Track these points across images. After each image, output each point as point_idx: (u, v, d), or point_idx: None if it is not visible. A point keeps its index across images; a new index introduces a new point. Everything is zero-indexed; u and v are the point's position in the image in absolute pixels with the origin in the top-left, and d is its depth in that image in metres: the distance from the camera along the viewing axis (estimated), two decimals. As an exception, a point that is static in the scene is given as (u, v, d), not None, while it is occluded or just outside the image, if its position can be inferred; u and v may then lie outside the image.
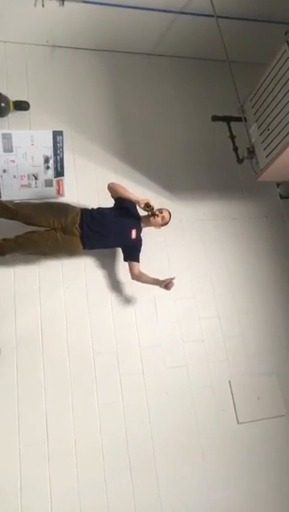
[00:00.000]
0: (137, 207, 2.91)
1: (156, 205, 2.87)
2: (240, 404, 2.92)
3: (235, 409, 2.91)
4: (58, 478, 2.49)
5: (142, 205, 2.80)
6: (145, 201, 2.79)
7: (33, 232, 2.74)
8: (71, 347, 2.79)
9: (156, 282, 2.80)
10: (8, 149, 2.86)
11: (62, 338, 2.80)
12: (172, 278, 2.74)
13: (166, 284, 2.75)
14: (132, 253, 2.87)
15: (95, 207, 2.94)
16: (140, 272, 2.85)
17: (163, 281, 2.76)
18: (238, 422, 2.89)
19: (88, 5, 3.22)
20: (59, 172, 3.02)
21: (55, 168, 3.00)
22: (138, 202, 2.83)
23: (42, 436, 2.55)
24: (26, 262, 2.90)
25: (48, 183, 3.03)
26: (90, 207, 2.93)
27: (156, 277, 2.82)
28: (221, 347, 3.07)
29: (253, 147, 2.87)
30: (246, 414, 2.91)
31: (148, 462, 2.66)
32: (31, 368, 2.68)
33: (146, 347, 2.92)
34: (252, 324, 3.20)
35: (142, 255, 2.91)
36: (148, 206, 2.79)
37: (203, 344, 3.04)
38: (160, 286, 2.78)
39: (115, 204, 2.96)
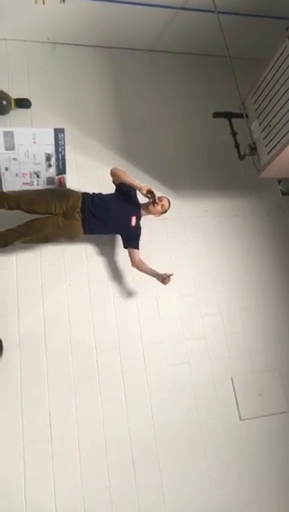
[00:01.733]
0: (138, 195, 2.92)
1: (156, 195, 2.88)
2: (242, 400, 2.93)
3: (237, 406, 2.92)
4: (61, 475, 2.51)
5: (144, 192, 2.80)
6: (147, 188, 2.81)
7: (34, 219, 2.75)
8: (73, 345, 2.79)
9: (154, 273, 2.81)
10: (10, 147, 2.85)
11: (64, 335, 2.80)
12: (171, 275, 2.75)
13: (163, 279, 2.76)
14: (132, 240, 2.89)
15: (96, 192, 2.94)
16: (140, 260, 2.86)
17: (161, 275, 2.77)
18: (240, 419, 2.89)
19: (89, 1, 3.23)
20: (61, 170, 3.01)
21: (57, 166, 2.99)
22: (140, 189, 2.83)
23: (46, 434, 2.57)
24: (29, 259, 2.92)
25: (50, 180, 3.02)
26: (91, 192, 2.93)
27: (155, 269, 2.82)
28: (223, 344, 3.07)
29: (254, 143, 2.86)
30: (249, 411, 2.91)
31: (151, 459, 2.67)
32: (34, 366, 2.69)
33: (148, 344, 2.93)
34: (254, 321, 3.20)
35: (144, 252, 2.91)
36: (149, 193, 2.80)
37: (205, 341, 3.05)
38: (158, 279, 2.80)
39: (116, 190, 2.97)
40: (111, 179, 2.99)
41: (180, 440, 2.75)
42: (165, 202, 2.98)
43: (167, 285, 2.78)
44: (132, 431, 2.69)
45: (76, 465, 2.55)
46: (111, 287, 3.02)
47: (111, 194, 2.94)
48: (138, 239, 2.90)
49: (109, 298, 2.99)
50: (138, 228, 2.92)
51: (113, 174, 2.95)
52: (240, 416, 2.90)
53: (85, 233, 2.84)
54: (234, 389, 2.96)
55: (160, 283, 2.79)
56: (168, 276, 2.75)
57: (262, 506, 2.72)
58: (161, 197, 2.98)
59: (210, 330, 3.09)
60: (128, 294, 3.02)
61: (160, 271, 2.81)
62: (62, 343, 2.78)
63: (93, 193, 2.90)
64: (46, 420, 2.59)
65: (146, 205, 2.94)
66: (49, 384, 2.67)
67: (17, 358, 2.68)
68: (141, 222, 2.96)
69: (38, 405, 2.61)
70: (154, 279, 2.83)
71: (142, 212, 2.96)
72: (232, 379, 2.99)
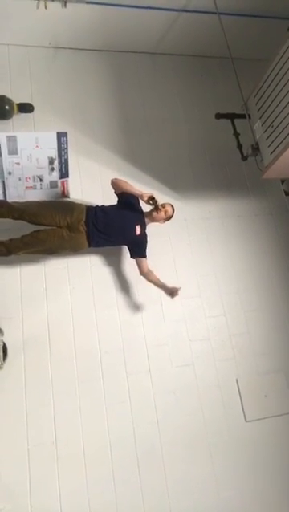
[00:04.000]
0: (141, 203, 2.92)
1: (159, 201, 2.87)
2: (247, 402, 2.92)
3: (242, 407, 2.91)
4: (66, 477, 2.52)
5: (145, 199, 2.80)
6: (149, 195, 2.80)
7: (39, 230, 2.75)
8: (78, 347, 2.81)
9: (162, 286, 2.84)
10: (13, 151, 2.87)
11: (69, 338, 2.82)
12: (179, 288, 2.79)
13: (171, 292, 2.80)
14: (138, 249, 2.87)
15: (100, 204, 2.94)
16: (148, 270, 2.85)
17: (169, 288, 2.81)
18: (245, 420, 2.89)
19: (90, 5, 3.23)
20: (64, 174, 3.03)
21: (60, 170, 3.01)
22: (141, 196, 2.83)
23: (51, 436, 2.58)
24: (32, 263, 2.93)
25: (53, 184, 3.04)
26: (94, 204, 2.94)
27: (163, 281, 2.86)
28: (227, 346, 3.07)
29: (257, 144, 2.86)
30: (254, 412, 2.91)
31: (156, 461, 2.67)
32: (39, 369, 2.70)
33: (153, 346, 2.93)
34: (259, 322, 3.19)
35: (147, 254, 2.90)
36: (151, 199, 2.79)
37: (210, 343, 3.05)
38: (165, 292, 2.84)
39: (118, 200, 2.96)
40: (112, 178, 2.98)
41: (185, 442, 2.75)
42: (169, 208, 2.96)
43: (174, 298, 2.82)
44: (136, 433, 2.70)
45: (81, 467, 2.56)
46: (114, 290, 3.03)
47: (113, 205, 2.94)
48: (145, 248, 2.88)
49: (113, 300, 2.99)
50: (144, 236, 2.90)
51: (114, 184, 2.93)
52: (245, 418, 2.89)
53: (90, 246, 2.82)
54: (238, 391, 2.95)
55: (168, 295, 2.83)
56: (177, 290, 2.78)
57: (268, 508, 2.71)
58: (165, 203, 2.96)
59: (215, 331, 3.09)
60: (132, 296, 3.03)
61: (166, 277, 2.84)
62: (66, 346, 2.79)
63: (96, 206, 2.90)
64: (51, 422, 2.61)
65: (150, 213, 2.93)
66: (53, 387, 2.68)
67: (21, 361, 2.69)
68: (147, 231, 2.94)
69: (43, 408, 2.62)
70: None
71: (146, 220, 2.94)
72: (237, 380, 2.98)
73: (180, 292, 2.80)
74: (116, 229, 2.83)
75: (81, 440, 2.61)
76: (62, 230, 2.74)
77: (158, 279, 2.85)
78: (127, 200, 2.91)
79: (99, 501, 2.51)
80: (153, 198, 2.79)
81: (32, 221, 2.77)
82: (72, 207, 2.85)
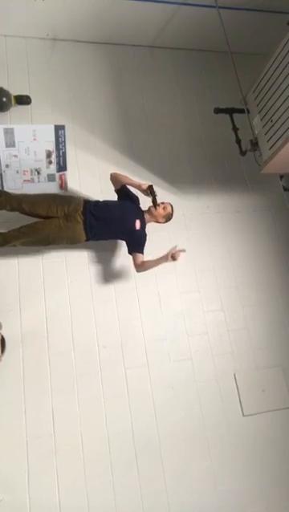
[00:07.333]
0: (140, 202, 2.92)
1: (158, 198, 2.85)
2: (245, 396, 2.93)
3: (240, 402, 2.92)
4: (65, 471, 2.51)
5: (144, 187, 2.79)
6: (147, 185, 2.79)
7: (36, 221, 2.75)
8: (76, 341, 2.80)
9: (161, 260, 2.67)
10: (10, 144, 2.85)
11: (67, 332, 2.81)
12: (175, 247, 2.61)
13: (172, 255, 2.60)
14: (136, 244, 2.82)
15: (100, 200, 2.92)
16: (142, 261, 2.77)
17: (167, 255, 2.62)
18: (243, 415, 2.89)
19: (89, -3, 3.21)
20: (62, 167, 3.01)
21: (58, 163, 2.99)
22: (140, 186, 2.82)
23: (49, 430, 2.57)
24: (30, 256, 2.91)
25: (51, 177, 3.02)
26: (93, 199, 2.93)
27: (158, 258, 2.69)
28: (225, 340, 3.07)
29: (256, 139, 2.85)
30: (252, 407, 2.91)
31: (154, 455, 2.67)
32: (37, 362, 2.69)
33: (151, 340, 2.93)
34: (257, 317, 3.19)
35: (147, 250, 2.85)
36: (150, 189, 2.78)
37: (208, 337, 3.05)
38: (168, 261, 2.62)
39: (118, 197, 2.96)
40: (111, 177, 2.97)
41: (182, 436, 2.76)
42: (168, 205, 2.94)
43: (179, 259, 2.60)
44: (134, 427, 2.70)
45: (79, 460, 2.56)
46: (113, 284, 3.01)
47: (113, 200, 2.93)
48: (143, 244, 2.83)
49: (111, 294, 2.98)
50: (143, 232, 2.87)
51: (113, 178, 2.93)
52: (243, 412, 2.90)
53: (88, 238, 2.79)
54: (236, 385, 2.96)
55: (173, 262, 2.62)
56: (175, 248, 2.61)
57: (266, 502, 2.72)
58: (164, 202, 2.94)
59: (213, 326, 3.09)
60: (130, 290, 3.02)
61: (162, 268, 2.76)
62: (64, 340, 2.78)
63: (95, 200, 2.90)
64: (50, 415, 2.60)
65: (149, 211, 2.90)
66: (52, 381, 2.67)
67: (19, 355, 2.68)
68: (146, 230, 2.91)
69: (41, 401, 2.62)
70: (156, 275, 2.82)
71: (146, 218, 2.92)
72: (235, 375, 2.98)
73: (178, 248, 2.60)
74: (116, 220, 2.80)
75: (79, 434, 2.60)
76: (59, 220, 2.73)
77: (152, 260, 2.73)
78: (127, 195, 2.91)
79: (97, 494, 2.51)
80: (152, 187, 2.78)
81: (30, 211, 2.76)
82: (70, 199, 2.86)
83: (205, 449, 2.76)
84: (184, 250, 2.64)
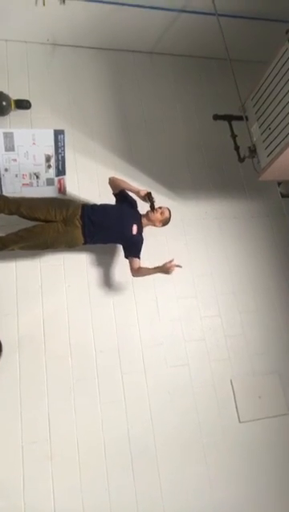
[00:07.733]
0: (138, 206, 2.92)
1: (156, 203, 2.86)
2: (241, 402, 2.93)
3: (237, 408, 2.91)
4: (60, 476, 2.50)
5: (142, 194, 2.81)
6: (146, 191, 2.80)
7: (35, 225, 2.74)
8: (73, 346, 2.79)
9: (156, 270, 2.72)
10: (10, 148, 2.86)
11: (64, 336, 2.80)
12: (172, 261, 2.66)
13: (167, 268, 2.66)
14: (133, 249, 2.83)
15: (98, 203, 2.93)
16: (139, 267, 2.79)
17: (162, 266, 2.68)
18: (239, 421, 2.89)
19: (89, 3, 3.23)
20: (61, 171, 3.02)
21: (57, 167, 3.00)
22: (138, 192, 2.84)
23: (45, 435, 2.56)
24: (28, 259, 2.91)
25: (50, 182, 3.03)
26: (91, 203, 2.93)
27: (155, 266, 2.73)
28: (222, 346, 3.07)
29: (254, 146, 2.86)
30: (248, 413, 2.91)
31: (151, 461, 2.66)
32: (33, 367, 2.68)
33: (148, 345, 2.93)
34: (254, 323, 3.20)
35: (144, 254, 2.88)
36: (148, 196, 2.79)
37: (205, 343, 3.04)
38: (163, 273, 2.69)
39: (116, 201, 2.96)
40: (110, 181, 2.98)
41: (179, 442, 2.75)
42: (165, 210, 2.95)
43: (172, 273, 2.66)
44: (130, 432, 2.69)
45: (75, 465, 2.54)
46: (110, 288, 3.01)
47: (111, 204, 2.94)
48: (139, 249, 2.85)
49: (109, 299, 2.98)
50: (140, 237, 2.87)
51: (112, 182, 2.94)
52: (239, 419, 2.89)
53: (86, 242, 2.79)
54: (233, 391, 2.95)
55: (166, 274, 2.68)
56: (171, 264, 2.65)
57: (262, 508, 2.71)
58: (162, 206, 2.95)
59: (210, 332, 3.09)
60: (128, 295, 3.02)
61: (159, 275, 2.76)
62: (61, 344, 2.77)
63: (94, 204, 2.91)
64: (46, 420, 2.59)
65: (147, 215, 2.90)
66: (48, 385, 2.66)
67: (16, 359, 2.67)
68: (144, 235, 2.91)
69: (37, 406, 2.60)
70: (154, 280, 2.82)
71: (143, 222, 2.92)
72: (231, 381, 2.98)
73: (174, 263, 2.65)
74: (112, 223, 2.81)
75: (75, 439, 2.59)
76: (57, 224, 2.73)
77: (149, 268, 2.76)
78: (125, 200, 2.92)
79: (92, 500, 2.49)
80: (150, 194, 2.79)
81: (28, 215, 2.76)
82: (68, 203, 2.86)
83: (201, 454, 2.75)
84: (180, 266, 2.68)
